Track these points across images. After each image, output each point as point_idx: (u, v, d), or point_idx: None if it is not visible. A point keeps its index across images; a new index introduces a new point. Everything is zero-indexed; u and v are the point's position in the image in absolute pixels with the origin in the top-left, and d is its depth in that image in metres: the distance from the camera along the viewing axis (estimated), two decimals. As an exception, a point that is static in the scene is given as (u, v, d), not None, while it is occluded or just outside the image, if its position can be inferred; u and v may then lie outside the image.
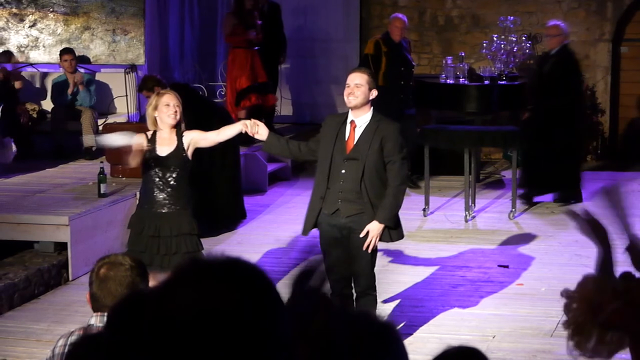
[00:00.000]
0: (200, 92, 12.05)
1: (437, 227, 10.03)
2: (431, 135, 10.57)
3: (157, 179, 6.64)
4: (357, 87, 6.38)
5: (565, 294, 2.84)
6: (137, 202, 6.99)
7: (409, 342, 6.83)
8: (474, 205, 10.62)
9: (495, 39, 13.02)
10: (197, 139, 6.71)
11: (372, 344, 1.93)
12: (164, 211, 6.64)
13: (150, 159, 6.67)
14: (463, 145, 10.28)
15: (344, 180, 6.39)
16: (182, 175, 6.67)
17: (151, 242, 6.61)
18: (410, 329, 7.17)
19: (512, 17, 13.41)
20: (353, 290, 6.58)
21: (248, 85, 11.88)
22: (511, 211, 10.48)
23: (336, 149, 6.42)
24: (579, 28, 13.79)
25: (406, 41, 11.93)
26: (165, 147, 6.67)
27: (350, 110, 6.47)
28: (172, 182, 6.64)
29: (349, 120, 6.48)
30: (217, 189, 9.80)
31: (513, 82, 12.34)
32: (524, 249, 9.23)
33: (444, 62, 12.67)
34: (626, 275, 2.85)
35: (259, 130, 6.52)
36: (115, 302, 2.40)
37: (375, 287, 6.54)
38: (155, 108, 6.66)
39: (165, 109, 6.62)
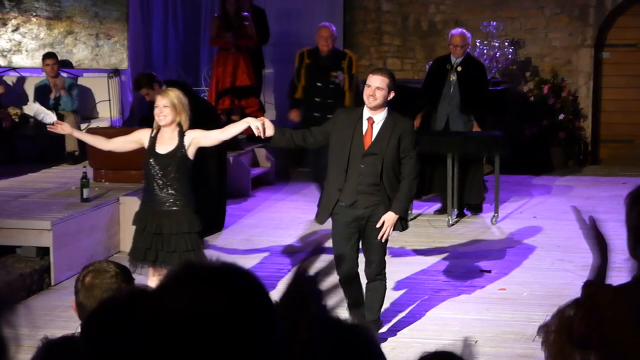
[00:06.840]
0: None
1: (419, 232, 10.03)
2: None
3: (157, 178, 6.70)
4: (379, 89, 6.71)
5: (542, 329, 2.84)
6: (141, 199, 7.05)
7: (391, 347, 6.84)
8: (457, 210, 10.64)
9: (478, 44, 13.08)
10: (199, 137, 6.73)
11: (350, 350, 1.94)
12: (164, 209, 6.70)
13: (149, 157, 6.69)
14: (446, 150, 10.30)
15: (363, 174, 6.72)
16: (181, 174, 6.71)
17: (155, 239, 6.71)
18: (393, 334, 7.18)
19: (495, 23, 13.47)
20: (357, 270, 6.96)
21: (225, 88, 11.90)
22: (494, 216, 10.51)
23: (354, 144, 6.72)
24: (561, 33, 13.86)
25: (338, 53, 10.79)
26: (165, 145, 6.71)
27: (366, 107, 6.76)
28: (171, 181, 6.70)
29: (365, 117, 6.79)
30: (202, 192, 9.68)
31: (496, 87, 12.37)
32: (507, 254, 9.25)
33: (427, 67, 12.69)
34: (588, 282, 2.88)
35: (267, 130, 6.65)
36: (91, 310, 2.39)
37: (385, 272, 6.97)
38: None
39: (157, 110, 6.64)
